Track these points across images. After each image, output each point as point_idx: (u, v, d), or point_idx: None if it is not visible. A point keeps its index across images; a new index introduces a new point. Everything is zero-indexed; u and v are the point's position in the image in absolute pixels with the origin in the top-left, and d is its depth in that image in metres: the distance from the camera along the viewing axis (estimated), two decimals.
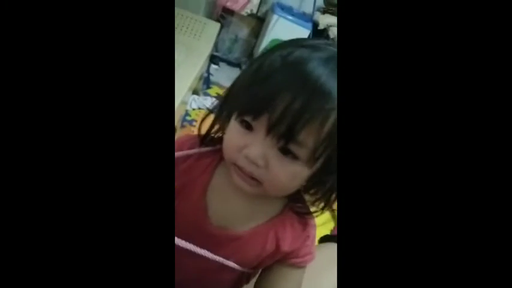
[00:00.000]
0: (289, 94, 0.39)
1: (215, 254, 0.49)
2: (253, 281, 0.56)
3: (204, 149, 0.52)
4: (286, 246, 0.50)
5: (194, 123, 1.72)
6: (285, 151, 0.41)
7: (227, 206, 0.50)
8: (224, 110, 0.48)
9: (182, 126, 1.67)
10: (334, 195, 0.47)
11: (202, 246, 0.49)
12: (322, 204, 0.48)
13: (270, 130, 0.40)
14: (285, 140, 0.40)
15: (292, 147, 0.40)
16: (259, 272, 0.55)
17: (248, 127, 0.42)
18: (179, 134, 1.52)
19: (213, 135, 0.51)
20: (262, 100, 0.40)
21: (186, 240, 0.48)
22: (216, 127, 0.50)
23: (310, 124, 0.39)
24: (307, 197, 0.50)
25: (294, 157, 0.41)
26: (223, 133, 0.48)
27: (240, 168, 0.44)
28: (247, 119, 0.41)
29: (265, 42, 2.20)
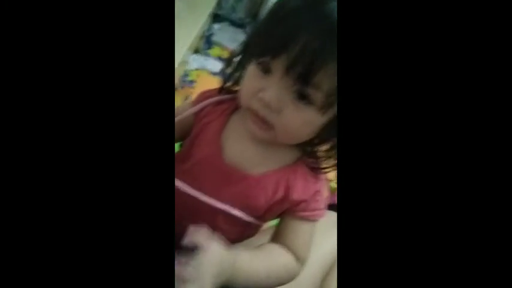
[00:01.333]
0: (308, 34, 0.39)
1: (225, 191, 0.50)
2: (262, 239, 0.55)
3: (222, 97, 0.54)
4: (295, 195, 0.50)
5: (194, 84, 1.67)
6: (300, 95, 0.42)
7: (241, 148, 0.51)
8: (244, 57, 0.49)
9: (181, 87, 1.62)
10: None
11: (213, 182, 0.50)
12: (334, 161, 0.50)
13: (288, 70, 0.40)
14: (302, 80, 0.40)
15: (308, 90, 0.41)
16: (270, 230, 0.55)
17: (266, 70, 0.43)
18: (177, 96, 1.48)
19: (230, 85, 0.53)
20: (281, 39, 0.40)
21: (199, 176, 0.51)
22: (236, 76, 0.51)
23: (327, 65, 0.39)
24: (320, 154, 0.51)
25: (309, 102, 0.42)
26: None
27: (253, 112, 0.45)
28: (266, 59, 0.42)
29: (270, 3, 2.10)
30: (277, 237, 0.53)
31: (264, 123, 0.45)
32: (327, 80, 0.40)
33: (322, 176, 0.54)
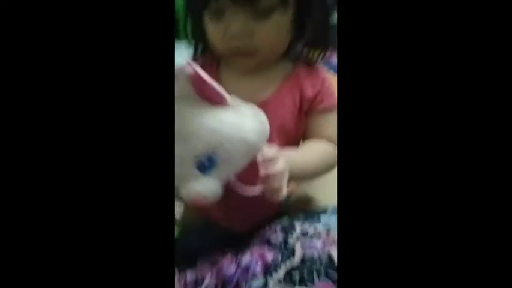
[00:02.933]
0: None
1: None
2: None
3: (199, 62, 0.56)
4: (309, 91, 0.54)
5: None
6: (259, 12, 0.45)
7: (242, 86, 0.54)
8: (194, 21, 0.53)
9: None
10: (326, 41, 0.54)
11: None
12: (320, 50, 0.55)
13: (235, 1, 0.44)
14: (252, 1, 0.44)
15: (262, 3, 0.45)
16: None
17: (218, 13, 0.47)
18: None
19: (198, 43, 0.56)
20: None
21: None
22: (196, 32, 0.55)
23: None
24: (305, 50, 0.56)
25: (268, 12, 0.46)
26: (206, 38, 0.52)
27: (234, 50, 0.49)
28: (214, 6, 0.46)
29: None
30: (309, 135, 0.57)
31: (247, 52, 0.48)
32: None
33: (320, 66, 0.58)
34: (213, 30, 0.49)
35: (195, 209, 0.67)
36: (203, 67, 0.55)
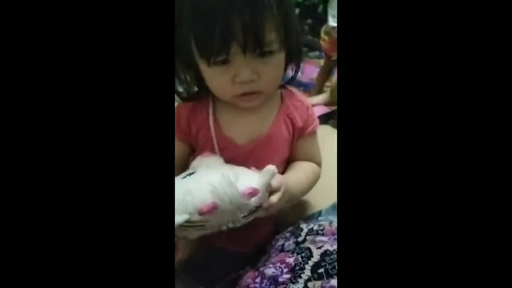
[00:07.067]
0: (235, 12, 0.44)
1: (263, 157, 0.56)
2: None
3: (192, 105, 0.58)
4: (299, 122, 0.59)
5: None
6: (263, 54, 0.48)
7: (241, 123, 0.57)
8: (182, 61, 0.52)
9: None
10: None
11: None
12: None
13: (245, 50, 0.46)
14: (259, 46, 0.46)
15: (267, 47, 0.47)
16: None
17: (225, 62, 0.48)
18: None
19: (187, 89, 0.57)
20: (225, 34, 0.45)
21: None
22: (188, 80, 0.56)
23: (266, 19, 0.45)
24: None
25: (271, 52, 0.48)
26: (199, 84, 0.55)
27: (241, 94, 0.51)
28: (222, 57, 0.47)
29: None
30: (297, 157, 0.62)
31: (254, 94, 0.51)
32: (272, 26, 0.46)
33: (301, 95, 0.63)
34: (219, 77, 0.50)
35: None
36: (196, 109, 0.57)
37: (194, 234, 0.48)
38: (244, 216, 0.46)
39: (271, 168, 0.46)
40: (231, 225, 0.47)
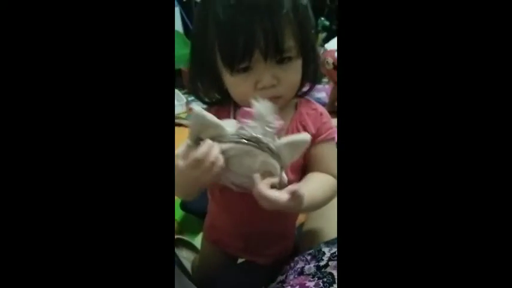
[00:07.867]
0: (257, 21, 0.46)
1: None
2: None
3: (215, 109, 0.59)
4: (311, 129, 0.58)
5: None
6: (282, 60, 0.50)
7: None
8: (210, 76, 0.54)
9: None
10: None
11: None
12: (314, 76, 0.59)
13: (266, 57, 0.48)
14: (279, 53, 0.49)
15: (286, 53, 0.49)
16: None
17: (246, 69, 0.50)
18: None
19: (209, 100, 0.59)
20: (247, 42, 0.47)
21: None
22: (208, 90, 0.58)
23: (284, 27, 0.48)
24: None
25: (290, 59, 0.50)
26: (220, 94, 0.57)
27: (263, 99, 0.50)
28: (244, 64, 0.49)
29: None
30: (311, 166, 0.60)
31: (274, 98, 0.51)
32: (289, 33, 0.48)
33: (315, 104, 0.62)
34: (242, 84, 0.52)
35: (211, 241, 0.68)
36: (219, 114, 0.56)
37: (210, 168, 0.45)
38: (268, 147, 0.46)
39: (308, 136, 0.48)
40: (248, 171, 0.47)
